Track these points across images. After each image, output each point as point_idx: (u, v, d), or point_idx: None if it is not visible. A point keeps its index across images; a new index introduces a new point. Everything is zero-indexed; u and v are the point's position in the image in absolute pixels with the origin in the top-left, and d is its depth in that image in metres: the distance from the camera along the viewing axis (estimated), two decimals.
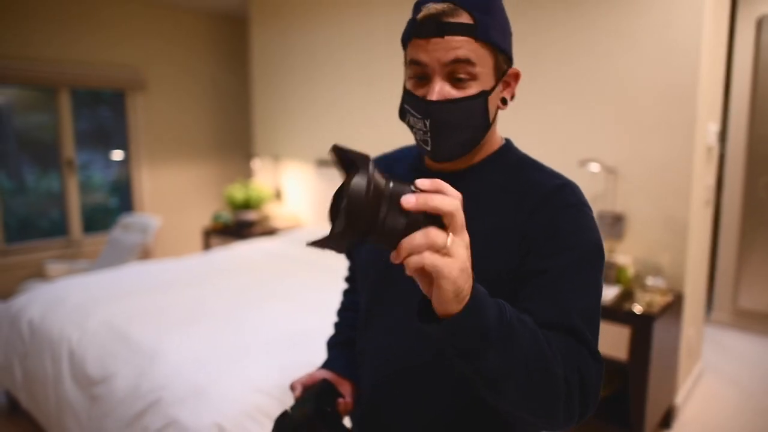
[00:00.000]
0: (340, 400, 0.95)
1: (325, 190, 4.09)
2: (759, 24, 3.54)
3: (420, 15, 0.77)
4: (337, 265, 3.16)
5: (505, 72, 0.82)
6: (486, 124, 0.82)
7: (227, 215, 4.50)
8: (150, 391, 1.75)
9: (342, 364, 1.02)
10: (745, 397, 2.90)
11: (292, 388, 0.98)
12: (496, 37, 0.78)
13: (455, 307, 0.56)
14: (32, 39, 3.99)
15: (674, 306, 2.44)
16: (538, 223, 0.79)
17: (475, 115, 0.80)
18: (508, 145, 0.91)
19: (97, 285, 2.68)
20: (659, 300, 2.35)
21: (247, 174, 5.10)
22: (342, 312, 1.16)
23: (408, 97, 0.82)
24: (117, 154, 4.68)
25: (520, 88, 0.87)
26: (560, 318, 0.72)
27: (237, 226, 4.30)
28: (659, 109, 2.50)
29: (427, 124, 0.79)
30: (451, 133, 0.80)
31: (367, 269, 0.97)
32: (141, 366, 1.89)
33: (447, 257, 0.54)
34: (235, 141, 5.33)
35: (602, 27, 2.62)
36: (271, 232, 4.19)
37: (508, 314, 0.62)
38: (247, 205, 4.28)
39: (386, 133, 3.65)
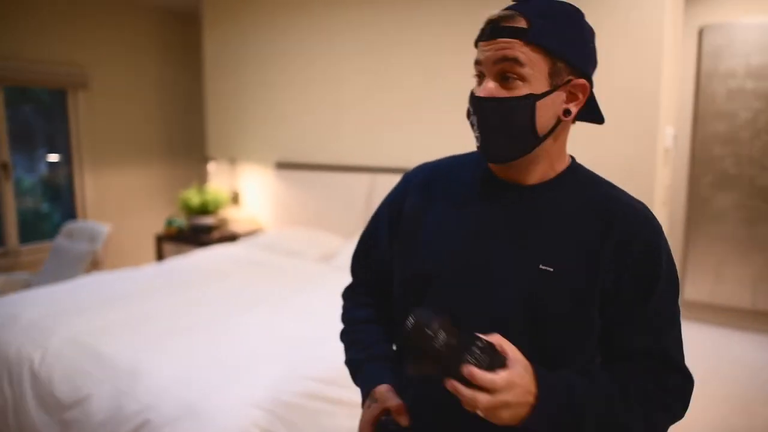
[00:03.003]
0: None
1: (285, 192, 3.99)
2: (700, 33, 3.78)
3: (485, 22, 0.83)
4: (311, 269, 3.09)
5: (567, 82, 0.82)
6: (531, 128, 0.80)
7: (181, 220, 4.30)
8: (136, 413, 1.63)
9: (392, 380, 0.93)
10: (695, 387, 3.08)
11: None
12: (551, 43, 0.79)
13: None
14: None
15: None
16: (633, 250, 0.82)
17: (518, 117, 0.80)
18: (575, 163, 0.93)
19: (52, 299, 2.47)
20: None
21: (201, 178, 4.89)
22: (363, 325, 1.04)
23: (470, 96, 0.86)
24: (50, 156, 4.34)
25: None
26: (656, 346, 0.83)
27: (192, 231, 4.12)
28: (623, 113, 2.61)
29: (476, 120, 0.83)
30: (495, 131, 0.82)
31: (433, 273, 0.88)
32: (120, 385, 1.76)
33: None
34: (188, 143, 5.09)
35: None
36: (231, 237, 4.03)
37: (577, 392, 0.76)
38: (204, 209, 4.11)
39: (345, 134, 3.61)
